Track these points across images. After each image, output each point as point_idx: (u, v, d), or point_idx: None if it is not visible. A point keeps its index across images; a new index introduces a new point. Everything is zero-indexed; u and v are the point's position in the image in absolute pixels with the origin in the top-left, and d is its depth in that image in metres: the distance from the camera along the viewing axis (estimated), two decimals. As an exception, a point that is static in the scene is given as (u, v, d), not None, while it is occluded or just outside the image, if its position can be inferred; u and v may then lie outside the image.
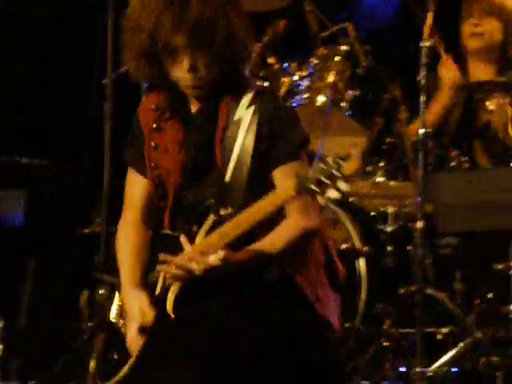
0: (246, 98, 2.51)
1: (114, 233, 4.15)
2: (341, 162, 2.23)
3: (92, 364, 3.30)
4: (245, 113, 2.49)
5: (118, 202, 4.12)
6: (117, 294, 2.70)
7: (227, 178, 2.47)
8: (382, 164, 4.08)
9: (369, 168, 4.09)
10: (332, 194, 2.23)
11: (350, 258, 3.95)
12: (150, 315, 2.50)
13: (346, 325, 3.89)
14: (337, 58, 4.10)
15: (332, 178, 2.22)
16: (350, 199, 4.12)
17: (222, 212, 2.44)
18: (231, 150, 2.48)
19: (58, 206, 4.59)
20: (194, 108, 2.58)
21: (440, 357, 3.70)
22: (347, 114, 4.11)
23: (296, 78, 4.17)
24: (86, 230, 4.61)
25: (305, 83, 4.16)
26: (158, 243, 2.60)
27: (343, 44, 4.10)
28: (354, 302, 3.88)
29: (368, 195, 4.08)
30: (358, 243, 3.98)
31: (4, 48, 4.79)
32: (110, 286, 3.45)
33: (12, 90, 4.84)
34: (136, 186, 2.63)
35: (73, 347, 4.10)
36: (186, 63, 2.47)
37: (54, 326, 4.29)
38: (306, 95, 4.15)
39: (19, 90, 4.86)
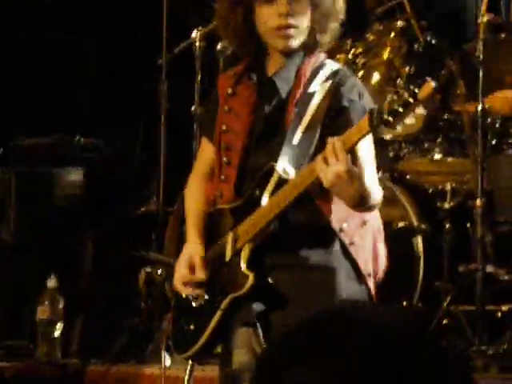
0: (324, 73, 2.53)
1: (170, 212, 4.17)
2: (415, 90, 2.25)
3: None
4: (320, 87, 2.51)
5: (173, 182, 4.17)
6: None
7: (295, 141, 2.49)
8: (439, 140, 4.04)
9: (426, 145, 4.05)
10: (409, 120, 2.25)
11: (407, 236, 3.93)
12: (200, 273, 2.56)
13: (404, 303, 3.87)
14: (392, 34, 4.05)
15: (407, 105, 2.24)
16: (407, 176, 4.08)
17: (286, 172, 2.46)
18: (301, 117, 2.49)
19: (114, 184, 4.63)
20: (270, 71, 2.59)
21: (500, 334, 3.66)
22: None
23: (351, 55, 4.13)
24: (143, 209, 4.65)
25: (360, 60, 4.12)
26: (215, 218, 2.62)
27: (399, 20, 4.05)
28: (412, 280, 3.86)
29: (425, 172, 4.04)
30: (415, 221, 3.95)
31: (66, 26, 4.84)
32: (167, 266, 3.48)
33: (69, 70, 4.89)
34: (206, 154, 2.68)
35: (132, 326, 4.14)
36: (283, 7, 2.48)
37: (113, 305, 4.33)
38: (361, 72, 4.11)
39: (76, 70, 4.91)
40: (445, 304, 3.82)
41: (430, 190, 4.04)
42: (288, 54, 2.55)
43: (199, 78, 4.17)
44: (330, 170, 2.30)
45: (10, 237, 4.30)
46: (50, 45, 4.87)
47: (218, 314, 2.52)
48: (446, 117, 4.04)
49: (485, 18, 3.77)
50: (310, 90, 2.52)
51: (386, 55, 4.05)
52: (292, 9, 2.49)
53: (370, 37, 4.10)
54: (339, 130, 2.40)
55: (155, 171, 4.38)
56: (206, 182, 2.68)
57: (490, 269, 3.77)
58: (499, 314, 3.80)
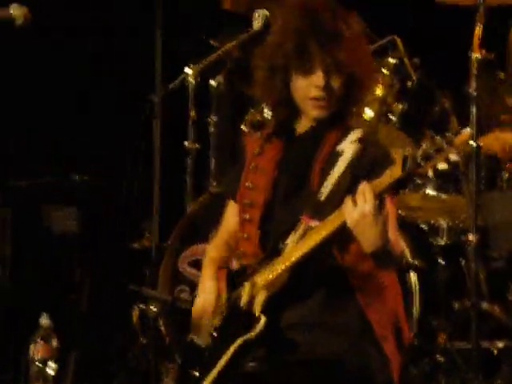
0: (352, 136, 2.58)
1: (164, 248, 4.17)
2: (450, 136, 2.30)
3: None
4: (348, 147, 2.56)
5: (167, 218, 4.17)
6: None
7: (322, 198, 2.52)
8: (432, 176, 4.04)
9: (419, 180, 4.07)
10: (441, 165, 2.30)
11: (401, 272, 3.92)
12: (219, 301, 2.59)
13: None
14: (385, 72, 4.08)
15: (441, 150, 2.28)
16: (400, 212, 4.09)
17: (313, 224, 2.48)
18: (328, 176, 2.53)
19: (109, 221, 4.63)
20: (299, 130, 2.65)
21: (495, 371, 3.65)
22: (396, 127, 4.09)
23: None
24: (136, 245, 4.64)
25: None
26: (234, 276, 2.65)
27: (391, 57, 4.08)
28: (407, 317, 3.85)
29: (418, 208, 4.05)
30: (409, 257, 3.95)
31: (57, 64, 4.86)
32: (161, 303, 3.47)
33: (63, 108, 4.90)
34: (232, 218, 2.71)
35: (126, 363, 4.12)
36: (321, 80, 2.54)
37: (106, 343, 4.32)
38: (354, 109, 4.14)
39: (70, 108, 4.92)
40: (440, 341, 3.82)
41: (424, 226, 4.06)
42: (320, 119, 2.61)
43: (193, 114, 4.19)
44: (356, 209, 2.35)
45: (6, 276, 4.30)
46: (48, 86, 4.89)
47: (226, 356, 2.52)
48: (439, 153, 4.05)
49: (477, 55, 3.80)
50: (338, 149, 2.57)
51: (378, 92, 4.08)
52: (328, 81, 2.55)
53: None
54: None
55: (149, 207, 4.38)
56: (229, 247, 2.72)
57: (484, 305, 3.77)
58: (495, 351, 3.80)
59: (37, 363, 3.88)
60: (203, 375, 2.56)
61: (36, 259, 4.31)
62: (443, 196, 4.03)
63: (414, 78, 4.03)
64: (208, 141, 4.32)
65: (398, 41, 4.06)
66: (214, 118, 4.35)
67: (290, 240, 2.50)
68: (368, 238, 2.39)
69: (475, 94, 3.71)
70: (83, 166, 4.62)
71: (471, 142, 3.75)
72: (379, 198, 2.35)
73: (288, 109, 2.63)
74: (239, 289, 2.59)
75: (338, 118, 2.61)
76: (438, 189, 4.03)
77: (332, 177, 2.52)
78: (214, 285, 2.64)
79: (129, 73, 4.83)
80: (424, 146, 2.29)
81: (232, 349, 2.50)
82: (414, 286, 3.90)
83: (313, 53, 2.54)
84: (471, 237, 3.67)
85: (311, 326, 2.51)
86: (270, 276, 2.50)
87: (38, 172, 4.48)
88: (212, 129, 4.35)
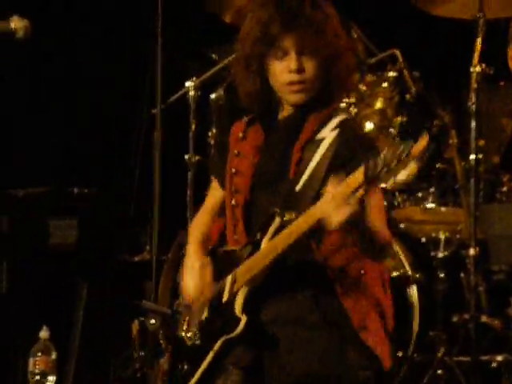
0: (333, 122, 2.55)
1: (164, 261, 4.16)
2: (409, 144, 2.25)
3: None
4: (328, 134, 2.53)
5: (167, 230, 4.16)
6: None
7: (298, 187, 2.50)
8: (432, 190, 4.06)
9: (419, 194, 4.07)
10: (401, 176, 2.27)
11: (401, 286, 3.92)
12: (207, 291, 2.57)
13: (399, 353, 3.85)
14: (385, 85, 4.09)
15: (401, 161, 2.24)
16: (401, 225, 4.09)
17: (287, 217, 2.46)
18: (306, 165, 2.51)
19: (108, 234, 4.62)
20: (281, 116, 2.63)
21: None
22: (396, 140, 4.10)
23: (343, 104, 4.17)
24: (137, 258, 4.64)
25: (353, 110, 4.16)
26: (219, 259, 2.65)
27: (391, 70, 4.09)
28: (407, 330, 3.84)
29: (418, 221, 4.05)
30: (409, 270, 3.95)
31: (60, 76, 4.87)
32: (161, 316, 3.47)
33: (63, 121, 4.91)
34: (214, 194, 2.73)
35: (125, 377, 4.11)
36: (293, 63, 2.53)
37: (106, 356, 4.30)
38: (353, 122, 4.14)
39: (72, 121, 4.93)
40: (439, 354, 3.81)
41: (424, 239, 4.05)
42: (300, 104, 2.59)
43: (193, 127, 4.20)
44: (339, 213, 2.31)
45: (3, 287, 4.29)
46: (45, 94, 4.90)
47: (210, 355, 2.52)
48: (438, 166, 4.06)
49: (477, 69, 3.81)
50: (318, 137, 2.54)
51: (378, 105, 4.08)
52: (302, 64, 2.53)
53: (363, 87, 4.14)
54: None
55: (149, 219, 4.38)
56: (212, 218, 2.73)
57: (484, 318, 3.77)
58: (494, 364, 3.79)
59: (36, 376, 3.87)
60: (191, 371, 2.57)
61: (33, 270, 4.30)
62: (442, 208, 4.03)
63: (414, 90, 4.04)
64: (208, 154, 4.32)
65: (399, 54, 4.07)
66: (214, 131, 4.35)
67: (268, 234, 2.48)
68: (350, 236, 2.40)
69: (474, 108, 3.73)
70: (83, 177, 4.62)
71: (471, 157, 3.76)
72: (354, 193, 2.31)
73: (268, 99, 2.61)
74: (222, 282, 2.56)
75: (320, 103, 2.57)
76: (437, 202, 4.04)
77: (310, 166, 2.50)
78: (205, 270, 2.61)
79: (130, 86, 4.84)
80: (383, 155, 2.25)
81: (216, 347, 2.50)
82: (414, 299, 3.89)
83: (281, 37, 2.52)
84: (472, 250, 3.68)
85: (290, 321, 2.50)
86: (250, 273, 2.49)
87: (36, 182, 4.48)
88: (212, 141, 4.35)
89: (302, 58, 2.53)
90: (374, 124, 4.07)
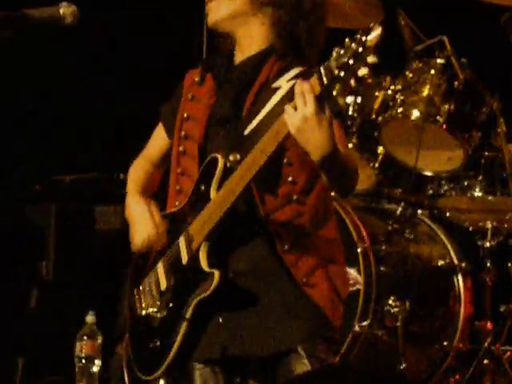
0: (292, 72, 2.46)
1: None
2: (362, 38, 2.12)
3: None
4: (284, 84, 2.44)
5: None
6: None
7: (246, 131, 2.42)
8: (479, 178, 4.01)
9: (466, 182, 4.02)
10: (362, 71, 2.16)
11: (447, 275, 3.89)
12: (162, 227, 2.49)
13: (445, 343, 3.82)
14: (432, 72, 4.04)
15: (358, 55, 2.13)
16: (447, 214, 4.05)
17: (232, 158, 2.38)
18: (258, 110, 2.43)
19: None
20: (237, 60, 2.56)
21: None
22: (443, 128, 4.05)
23: (390, 92, 4.13)
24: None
25: (399, 97, 4.12)
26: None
27: (439, 57, 4.04)
28: (453, 320, 3.81)
29: (466, 210, 4.01)
30: (455, 259, 3.92)
31: (92, 68, 4.89)
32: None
33: (110, 109, 4.93)
34: (158, 141, 2.65)
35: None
36: None
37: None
38: (400, 109, 4.11)
39: (117, 109, 4.95)
40: (486, 344, 3.77)
41: (471, 228, 4.01)
42: (242, 40, 2.51)
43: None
44: (297, 113, 2.22)
45: (50, 273, 4.33)
46: (90, 87, 4.92)
47: (184, 325, 2.40)
48: (486, 154, 4.01)
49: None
50: (274, 85, 2.46)
51: (425, 92, 4.04)
52: None
53: (409, 74, 4.10)
54: None
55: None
56: (153, 166, 2.65)
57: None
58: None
59: (83, 360, 3.90)
60: (164, 346, 2.44)
61: (79, 256, 4.33)
62: (490, 197, 3.98)
63: (462, 78, 3.99)
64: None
65: (446, 41, 4.02)
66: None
67: (213, 182, 2.38)
68: (314, 144, 2.23)
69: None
70: (128, 164, 4.64)
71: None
72: (320, 99, 2.21)
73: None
74: (174, 245, 2.46)
75: (273, 53, 2.49)
76: (485, 190, 3.99)
77: (262, 112, 2.40)
78: (153, 218, 2.52)
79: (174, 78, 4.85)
80: (335, 54, 2.15)
81: (188, 314, 2.39)
82: (460, 288, 3.86)
83: None
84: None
85: (252, 272, 2.43)
86: (207, 227, 2.38)
87: (83, 168, 4.51)
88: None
89: None
90: (421, 112, 4.03)
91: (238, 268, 2.44)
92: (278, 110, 2.36)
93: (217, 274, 2.36)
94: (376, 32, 2.13)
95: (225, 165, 2.39)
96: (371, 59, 2.13)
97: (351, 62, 2.13)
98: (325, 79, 2.19)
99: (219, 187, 2.39)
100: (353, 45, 2.13)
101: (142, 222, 2.55)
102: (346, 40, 2.15)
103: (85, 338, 3.96)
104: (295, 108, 2.23)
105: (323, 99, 2.22)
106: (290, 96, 2.32)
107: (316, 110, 2.21)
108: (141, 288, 2.58)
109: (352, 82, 2.13)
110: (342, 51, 2.15)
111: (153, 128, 2.72)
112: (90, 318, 3.98)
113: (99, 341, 3.99)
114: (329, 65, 2.17)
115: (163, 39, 4.83)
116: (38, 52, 4.65)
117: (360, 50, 2.12)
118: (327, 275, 2.44)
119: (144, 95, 4.97)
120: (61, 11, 2.72)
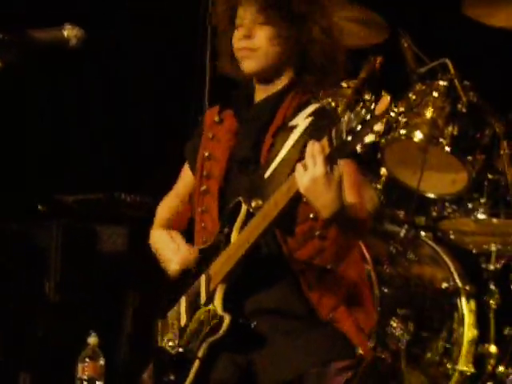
0: (309, 109, 2.50)
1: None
2: (370, 106, 2.17)
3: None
4: (302, 122, 2.47)
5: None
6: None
7: (266, 174, 2.45)
8: (483, 201, 4.01)
9: (470, 205, 4.02)
10: (369, 138, 2.18)
11: (451, 297, 3.88)
12: (193, 253, 2.52)
13: (449, 366, 3.81)
14: (435, 94, 4.05)
15: (365, 122, 2.17)
16: (451, 236, 4.05)
17: (254, 204, 2.41)
18: (277, 152, 2.45)
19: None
20: (256, 99, 2.59)
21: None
22: (447, 150, 4.05)
23: (393, 114, 4.12)
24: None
25: (402, 119, 4.11)
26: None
27: (442, 80, 4.05)
28: (456, 342, 3.80)
29: (470, 232, 4.00)
30: (459, 282, 3.91)
31: (105, 86, 4.91)
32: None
33: (113, 128, 4.94)
34: (185, 179, 2.69)
35: None
36: (242, 29, 2.53)
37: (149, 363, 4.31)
38: (403, 131, 4.11)
39: (120, 128, 4.96)
40: (490, 367, 3.76)
41: (474, 251, 4.00)
42: (267, 80, 2.54)
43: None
44: (307, 173, 2.26)
45: (53, 292, 4.32)
46: (95, 106, 4.94)
47: (196, 363, 2.44)
48: (490, 177, 4.01)
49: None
50: (292, 123, 2.49)
51: (428, 115, 4.04)
52: (252, 31, 2.52)
53: (412, 96, 4.09)
54: None
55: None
56: (181, 202, 2.69)
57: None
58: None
59: (84, 382, 3.88)
60: (178, 382, 2.48)
61: (83, 277, 4.33)
62: (494, 220, 3.98)
63: (465, 100, 3.99)
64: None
65: (449, 63, 4.03)
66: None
67: (236, 225, 2.42)
68: (323, 203, 2.27)
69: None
70: (133, 184, 4.64)
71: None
72: (330, 160, 2.25)
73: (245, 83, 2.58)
74: (196, 283, 2.49)
75: (296, 89, 2.52)
76: (488, 213, 3.98)
77: (281, 153, 2.43)
78: (175, 241, 2.60)
79: (177, 96, 4.86)
80: (346, 117, 2.18)
81: (200, 354, 2.42)
82: (463, 311, 3.85)
83: (240, 7, 2.53)
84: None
85: (269, 312, 2.44)
86: (225, 269, 2.42)
87: (87, 189, 4.52)
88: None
89: (256, 26, 2.51)
90: (424, 134, 4.02)
91: (261, 307, 2.46)
92: (295, 150, 2.41)
93: (227, 318, 2.41)
94: (384, 101, 2.19)
95: (247, 210, 2.43)
96: (378, 128, 2.17)
97: (359, 128, 2.18)
98: (334, 141, 2.24)
99: (241, 231, 2.44)
100: (362, 111, 2.18)
101: (170, 249, 2.62)
102: (358, 107, 2.19)
103: (87, 359, 3.94)
104: (305, 166, 2.28)
105: (333, 160, 2.27)
106: (307, 133, 2.39)
107: (325, 171, 2.26)
108: (165, 320, 2.63)
109: (359, 147, 2.17)
110: (352, 115, 2.19)
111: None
112: (92, 340, 3.97)
113: (101, 362, 3.98)
114: (339, 127, 2.22)
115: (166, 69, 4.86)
116: (40, 71, 4.67)
117: (368, 117, 2.17)
118: (349, 311, 2.47)
119: (147, 116, 4.99)
120: (65, 33, 2.72)
